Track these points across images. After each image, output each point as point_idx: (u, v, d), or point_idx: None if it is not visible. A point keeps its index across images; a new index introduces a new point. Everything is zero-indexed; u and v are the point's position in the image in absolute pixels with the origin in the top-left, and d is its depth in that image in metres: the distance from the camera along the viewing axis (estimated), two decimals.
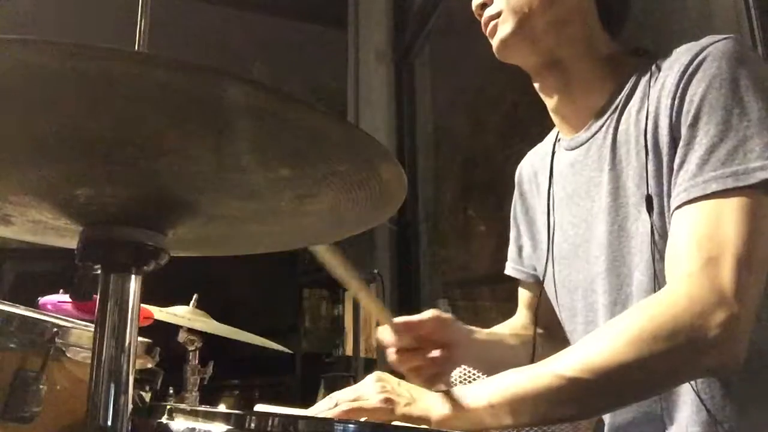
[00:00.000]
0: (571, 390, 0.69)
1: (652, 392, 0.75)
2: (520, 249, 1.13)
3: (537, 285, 1.10)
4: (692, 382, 0.77)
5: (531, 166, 1.09)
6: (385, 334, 0.91)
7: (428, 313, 0.95)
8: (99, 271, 0.51)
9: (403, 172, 0.48)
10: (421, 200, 3.42)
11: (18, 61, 0.36)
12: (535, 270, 1.09)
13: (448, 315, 0.97)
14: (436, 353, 0.92)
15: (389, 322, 0.90)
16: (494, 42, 0.91)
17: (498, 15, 0.89)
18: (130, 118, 0.41)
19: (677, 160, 0.76)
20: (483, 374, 1.10)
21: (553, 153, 1.00)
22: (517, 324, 1.13)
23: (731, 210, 0.70)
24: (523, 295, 1.14)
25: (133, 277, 0.52)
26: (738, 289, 0.67)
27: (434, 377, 0.92)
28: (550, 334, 1.06)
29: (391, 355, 0.92)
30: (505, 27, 0.89)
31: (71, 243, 0.53)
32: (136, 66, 0.36)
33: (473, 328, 1.02)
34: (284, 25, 4.09)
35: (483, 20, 0.92)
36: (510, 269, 1.14)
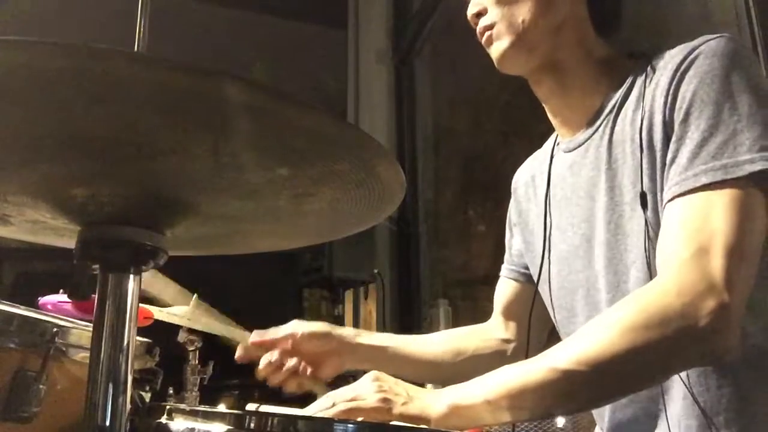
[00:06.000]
0: (566, 383, 0.69)
1: (647, 382, 0.75)
2: (510, 248, 1.15)
3: (521, 284, 1.11)
4: (684, 375, 0.77)
5: (528, 172, 1.10)
6: (242, 353, 1.05)
7: (285, 329, 1.04)
8: (97, 271, 0.51)
9: (402, 171, 0.48)
10: (421, 200, 3.42)
11: (17, 61, 0.36)
12: (524, 268, 1.10)
13: (314, 328, 1.05)
14: (291, 363, 1.03)
15: (243, 341, 1.02)
16: (492, 54, 0.93)
17: (491, 26, 0.90)
18: (128, 117, 0.41)
19: (669, 155, 0.77)
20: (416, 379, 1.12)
21: (552, 157, 1.00)
22: (469, 332, 1.15)
23: (721, 201, 0.71)
24: (501, 298, 1.15)
25: (131, 276, 0.52)
26: (728, 278, 0.67)
27: (302, 386, 1.05)
28: (521, 343, 1.08)
29: (260, 371, 1.04)
30: (502, 42, 0.90)
31: (70, 243, 0.53)
32: (135, 66, 0.36)
33: (366, 335, 1.09)
34: (284, 25, 4.08)
35: (478, 30, 0.93)
36: (502, 270, 1.16)
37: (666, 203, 0.76)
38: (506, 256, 1.16)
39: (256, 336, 1.05)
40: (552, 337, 1.05)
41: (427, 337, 1.15)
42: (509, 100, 2.73)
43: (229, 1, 3.92)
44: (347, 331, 1.08)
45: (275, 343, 1.04)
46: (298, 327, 1.05)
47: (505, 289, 1.15)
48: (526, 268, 1.10)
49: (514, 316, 1.12)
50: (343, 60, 3.78)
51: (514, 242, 1.13)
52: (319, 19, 4.02)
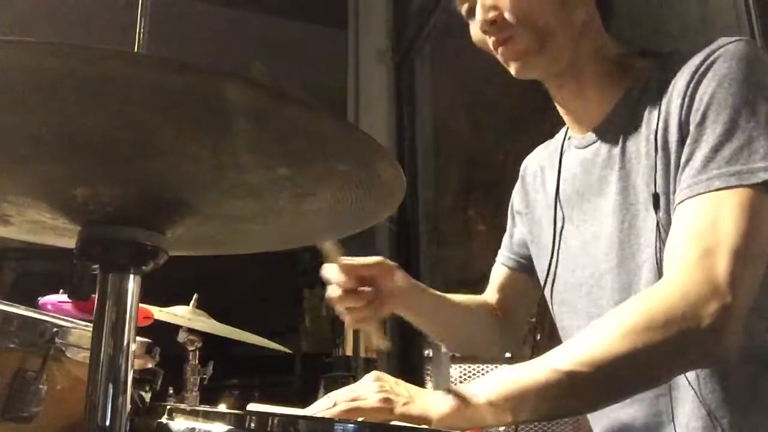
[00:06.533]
0: (569, 384, 0.69)
1: (650, 383, 0.75)
2: (511, 236, 1.15)
3: (517, 272, 1.13)
4: (692, 378, 0.77)
5: (538, 162, 1.09)
6: (330, 272, 0.98)
7: (372, 258, 1.01)
8: (97, 271, 0.51)
9: (402, 171, 0.48)
10: (421, 200, 3.42)
11: (17, 62, 0.36)
12: (523, 258, 1.11)
13: (392, 263, 1.02)
14: (366, 290, 0.99)
15: (338, 262, 0.96)
16: (515, 63, 0.88)
17: (511, 36, 0.85)
18: (128, 117, 0.41)
19: (683, 158, 0.76)
20: (434, 335, 1.16)
21: (562, 151, 1.00)
22: (476, 299, 1.17)
23: (731, 206, 0.70)
24: (497, 278, 1.16)
25: (131, 276, 0.51)
26: (732, 281, 0.67)
27: (365, 319, 1.01)
28: (510, 322, 1.13)
29: (334, 291, 0.99)
30: (527, 53, 0.86)
31: (70, 243, 0.53)
32: (134, 66, 0.36)
33: (426, 287, 1.07)
34: (284, 25, 4.08)
35: (493, 39, 0.87)
36: (500, 256, 1.16)
37: (677, 205, 0.75)
38: (505, 242, 1.16)
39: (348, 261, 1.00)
40: (555, 337, 1.06)
41: (462, 300, 1.15)
42: (510, 100, 2.73)
43: (229, 1, 3.92)
44: (415, 281, 1.07)
45: (364, 268, 1.00)
46: (385, 261, 1.02)
47: (498, 273, 1.16)
48: (525, 258, 1.10)
49: (505, 299, 1.15)
50: (343, 60, 3.79)
51: (516, 231, 1.13)
52: (319, 19, 4.02)
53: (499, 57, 0.89)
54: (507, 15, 0.84)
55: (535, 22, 0.84)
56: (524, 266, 1.11)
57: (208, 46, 3.59)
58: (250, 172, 0.47)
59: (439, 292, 1.10)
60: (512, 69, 0.89)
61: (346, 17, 3.83)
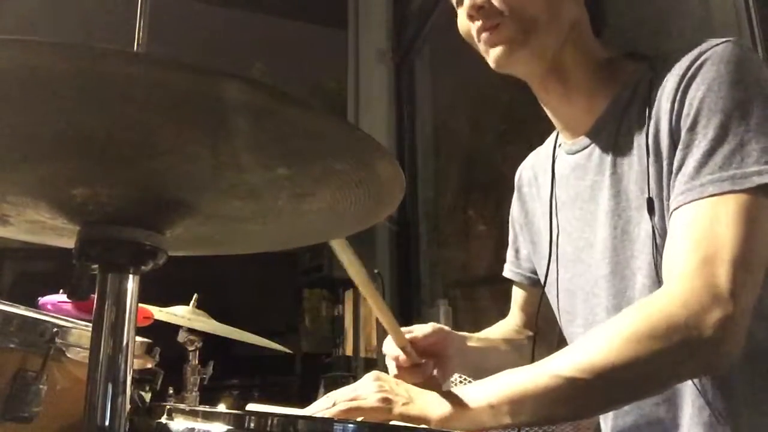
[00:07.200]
0: (568, 390, 0.69)
1: (650, 391, 0.75)
2: (516, 251, 1.14)
3: (533, 287, 1.11)
4: (695, 383, 0.77)
5: (531, 169, 1.09)
6: (390, 348, 0.91)
7: (429, 327, 0.94)
8: (97, 271, 0.51)
9: (401, 170, 0.48)
10: (421, 200, 3.42)
11: (15, 61, 0.36)
12: (533, 273, 1.10)
13: (445, 327, 0.97)
14: (435, 371, 0.92)
15: (397, 338, 0.89)
16: (494, 54, 0.86)
17: (496, 25, 0.85)
18: (127, 117, 0.41)
19: (676, 163, 0.76)
20: (475, 379, 1.10)
21: (554, 156, 0.99)
22: (507, 327, 1.14)
23: (727, 211, 0.70)
24: (518, 297, 1.15)
25: (131, 276, 0.51)
26: (733, 289, 0.67)
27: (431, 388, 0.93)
28: (542, 337, 1.08)
29: (393, 369, 0.92)
30: (510, 43, 0.85)
31: (69, 243, 0.53)
32: (133, 65, 0.36)
33: (465, 334, 1.03)
34: (284, 25, 4.09)
35: (478, 27, 0.86)
36: (507, 271, 1.15)
37: (672, 212, 0.75)
38: (510, 257, 1.15)
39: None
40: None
41: (498, 337, 1.11)
42: (509, 100, 2.73)
43: (229, 1, 3.93)
44: (457, 333, 1.02)
45: (424, 340, 0.93)
46: (440, 326, 0.97)
47: (516, 293, 1.16)
48: (533, 272, 1.10)
49: (528, 318, 1.14)
50: (343, 60, 3.79)
51: (520, 245, 1.12)
52: (319, 19, 4.02)
53: (480, 45, 0.88)
54: (496, 2, 0.84)
55: (524, 14, 0.83)
56: (536, 280, 1.10)
57: (208, 46, 3.59)
58: (250, 172, 0.47)
59: (477, 336, 1.06)
60: (492, 58, 0.87)
61: (346, 17, 3.83)
